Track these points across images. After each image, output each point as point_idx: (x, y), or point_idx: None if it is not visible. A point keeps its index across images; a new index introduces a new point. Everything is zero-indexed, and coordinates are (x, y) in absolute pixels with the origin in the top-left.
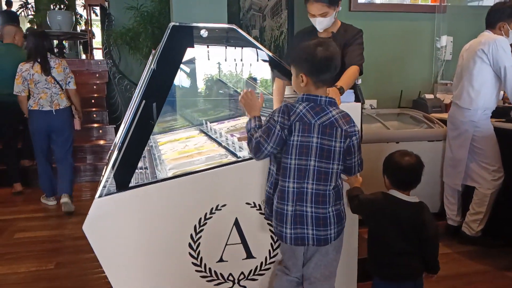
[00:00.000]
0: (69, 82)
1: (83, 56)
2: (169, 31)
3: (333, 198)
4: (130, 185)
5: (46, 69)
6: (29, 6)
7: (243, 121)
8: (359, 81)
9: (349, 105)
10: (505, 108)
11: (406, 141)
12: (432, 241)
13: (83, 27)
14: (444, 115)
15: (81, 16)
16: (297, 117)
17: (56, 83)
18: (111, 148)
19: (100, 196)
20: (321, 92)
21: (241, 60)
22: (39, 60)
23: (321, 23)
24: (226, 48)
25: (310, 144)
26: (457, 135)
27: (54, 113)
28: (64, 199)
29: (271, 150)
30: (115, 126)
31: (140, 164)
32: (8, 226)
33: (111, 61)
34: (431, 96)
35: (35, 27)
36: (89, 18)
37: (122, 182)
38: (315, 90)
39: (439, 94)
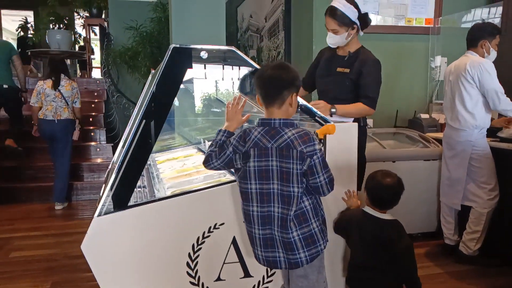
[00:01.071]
0: (75, 101)
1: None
2: (169, 53)
3: (296, 222)
4: (129, 204)
5: (55, 85)
6: (29, 25)
7: None
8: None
9: (345, 125)
10: (493, 128)
11: (402, 160)
12: (402, 259)
13: (82, 43)
14: (439, 135)
15: (80, 35)
16: (252, 143)
17: (62, 98)
18: (109, 167)
19: (99, 215)
20: (271, 112)
21: (239, 79)
22: (53, 78)
23: (330, 38)
24: (224, 68)
25: (270, 168)
26: (454, 155)
27: (56, 122)
28: (58, 207)
29: (218, 166)
30: (112, 144)
31: (138, 183)
32: (4, 244)
33: (109, 80)
34: (426, 115)
35: (31, 44)
36: (88, 37)
37: (121, 201)
38: (266, 111)
39: (434, 114)
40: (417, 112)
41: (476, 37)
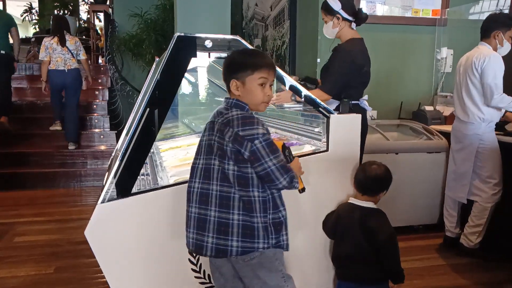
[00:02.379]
0: (79, 54)
1: None
2: (174, 41)
3: (240, 206)
4: (132, 191)
5: (61, 41)
6: (34, 10)
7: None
8: (365, 97)
9: (349, 116)
10: (501, 122)
11: (405, 152)
12: (385, 249)
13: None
14: (443, 127)
15: (84, 21)
16: (210, 118)
17: (68, 51)
18: (113, 154)
19: (102, 202)
20: (230, 94)
21: None
22: (58, 35)
23: (324, 29)
24: None
25: (213, 142)
26: (461, 148)
27: (67, 71)
28: (71, 146)
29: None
30: (116, 131)
31: (142, 171)
32: (8, 229)
33: (113, 67)
34: (430, 108)
35: (38, 31)
36: (93, 24)
37: (125, 188)
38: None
39: (439, 106)
40: (421, 104)
41: (490, 27)
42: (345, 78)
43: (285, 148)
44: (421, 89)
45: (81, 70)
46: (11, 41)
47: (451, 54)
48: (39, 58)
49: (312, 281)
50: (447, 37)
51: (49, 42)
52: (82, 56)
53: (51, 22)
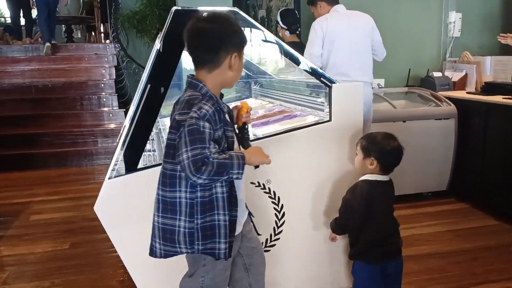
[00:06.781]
0: None
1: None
2: (171, 16)
3: (161, 208)
4: (138, 167)
5: None
6: None
7: (249, 103)
8: None
9: (351, 85)
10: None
11: (413, 120)
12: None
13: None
14: (452, 93)
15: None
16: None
17: None
18: (121, 132)
19: (109, 178)
20: (198, 74)
21: (250, 41)
22: None
23: None
24: None
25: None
26: None
27: None
28: (48, 44)
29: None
30: (124, 110)
31: (148, 147)
32: (24, 208)
33: (119, 45)
34: (439, 74)
35: None
36: (97, 2)
37: (131, 164)
38: (195, 72)
39: (448, 72)
40: (430, 71)
41: None
42: None
43: (243, 129)
44: (430, 55)
45: None
46: None
47: (460, 18)
48: None
49: (322, 249)
50: (455, 1)
51: None
52: None
53: None
